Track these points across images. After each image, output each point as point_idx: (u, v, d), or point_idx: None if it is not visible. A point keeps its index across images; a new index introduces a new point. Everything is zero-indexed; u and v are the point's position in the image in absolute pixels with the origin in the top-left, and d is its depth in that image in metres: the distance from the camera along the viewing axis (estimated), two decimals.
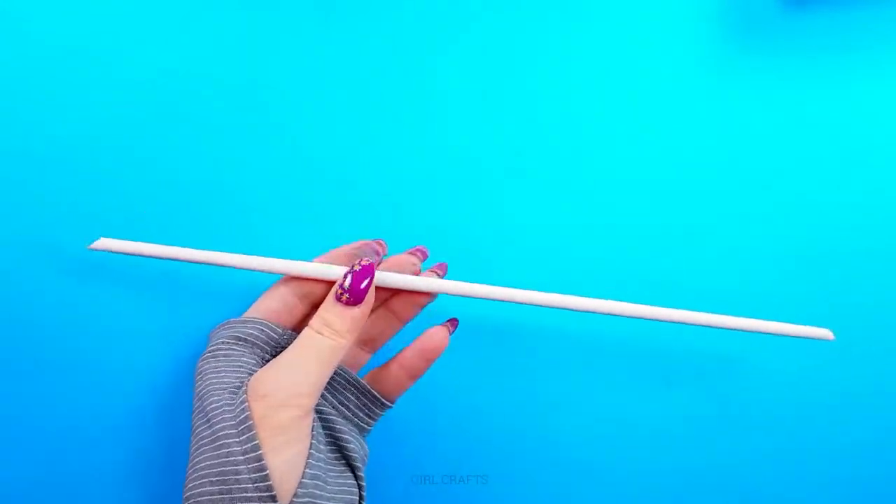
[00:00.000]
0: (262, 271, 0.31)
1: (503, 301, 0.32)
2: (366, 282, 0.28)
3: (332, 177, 0.38)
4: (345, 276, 0.29)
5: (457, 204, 0.38)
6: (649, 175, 0.38)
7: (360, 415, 0.31)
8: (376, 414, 0.32)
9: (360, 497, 0.29)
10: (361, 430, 0.32)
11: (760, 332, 0.33)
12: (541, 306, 0.32)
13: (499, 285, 0.37)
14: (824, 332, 0.33)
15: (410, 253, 0.33)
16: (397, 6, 0.39)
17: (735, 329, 0.33)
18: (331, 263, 0.31)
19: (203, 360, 0.29)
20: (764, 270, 0.38)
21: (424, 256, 0.33)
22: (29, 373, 0.35)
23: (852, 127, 0.38)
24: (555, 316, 0.37)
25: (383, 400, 0.31)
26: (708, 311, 0.37)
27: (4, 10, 0.37)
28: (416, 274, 0.32)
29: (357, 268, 0.29)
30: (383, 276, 0.31)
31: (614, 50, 0.39)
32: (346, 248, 0.32)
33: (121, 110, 0.37)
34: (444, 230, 0.37)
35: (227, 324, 0.30)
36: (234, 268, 0.31)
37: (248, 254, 0.32)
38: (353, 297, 0.28)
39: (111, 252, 0.32)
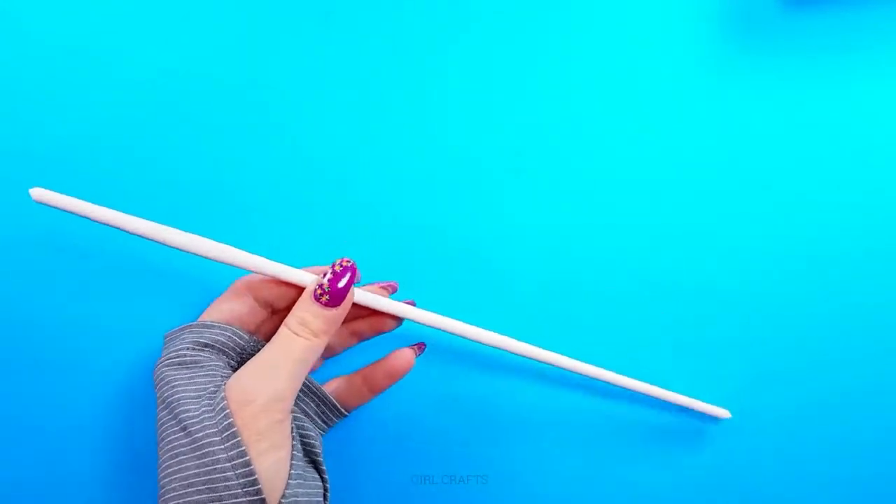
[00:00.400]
0: (233, 265, 0.30)
1: (472, 340, 0.33)
2: (345, 281, 0.29)
3: (332, 177, 0.38)
4: (325, 276, 0.29)
5: (457, 204, 0.38)
6: (649, 175, 0.38)
7: (318, 420, 0.32)
8: (332, 421, 0.32)
9: (325, 490, 0.30)
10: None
11: (660, 399, 0.35)
12: (506, 351, 0.33)
13: (498, 287, 0.37)
14: (721, 411, 0.35)
15: (382, 286, 0.33)
16: (397, 6, 0.39)
17: (637, 391, 0.34)
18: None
19: (167, 367, 0.28)
20: (764, 270, 0.38)
21: (393, 290, 0.34)
22: (27, 371, 0.35)
23: (852, 127, 0.38)
24: (554, 316, 0.37)
25: (341, 409, 0.32)
26: (700, 314, 0.37)
27: (4, 9, 0.37)
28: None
29: (338, 268, 0.29)
30: (360, 295, 0.31)
31: (614, 50, 0.39)
32: (317, 268, 0.32)
33: (121, 110, 0.37)
34: (443, 230, 0.37)
35: (188, 328, 0.30)
36: (190, 253, 0.30)
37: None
38: (332, 297, 0.28)
39: (50, 206, 0.29)
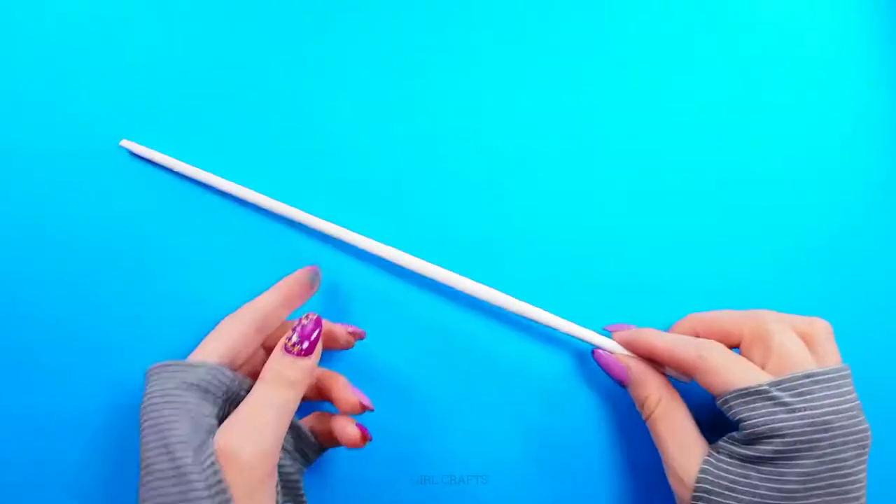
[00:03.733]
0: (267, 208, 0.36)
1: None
2: (315, 334, 0.30)
3: (332, 177, 0.38)
4: (293, 330, 0.30)
5: (456, 204, 0.38)
6: (649, 174, 0.38)
7: (298, 455, 0.33)
8: (312, 457, 0.34)
9: None
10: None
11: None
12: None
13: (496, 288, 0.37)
14: None
15: (351, 332, 0.34)
16: (396, 7, 0.40)
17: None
18: (285, 286, 0.33)
19: (153, 406, 0.28)
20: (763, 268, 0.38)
21: (359, 337, 0.35)
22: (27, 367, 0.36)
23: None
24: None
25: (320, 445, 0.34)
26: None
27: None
28: (350, 345, 0.35)
29: (305, 321, 0.31)
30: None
31: (612, 50, 0.40)
32: (291, 278, 0.34)
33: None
34: (443, 230, 0.38)
35: (174, 365, 0.30)
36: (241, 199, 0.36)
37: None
38: (303, 348, 0.30)
39: (136, 155, 0.37)
